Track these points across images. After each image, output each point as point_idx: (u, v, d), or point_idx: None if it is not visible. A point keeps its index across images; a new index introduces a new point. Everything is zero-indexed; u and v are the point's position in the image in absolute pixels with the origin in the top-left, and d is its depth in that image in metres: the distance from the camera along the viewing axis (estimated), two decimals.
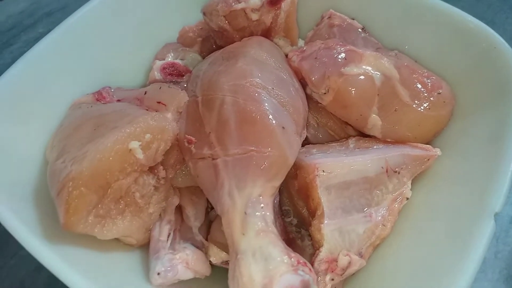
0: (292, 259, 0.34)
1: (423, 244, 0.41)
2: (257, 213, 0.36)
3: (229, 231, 0.36)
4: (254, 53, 0.45)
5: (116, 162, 0.37)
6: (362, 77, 0.45)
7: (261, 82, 0.42)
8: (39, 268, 0.36)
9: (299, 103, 0.44)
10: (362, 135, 0.48)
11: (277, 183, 0.39)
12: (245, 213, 0.36)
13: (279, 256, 0.34)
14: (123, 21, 0.55)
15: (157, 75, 0.51)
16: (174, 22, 0.58)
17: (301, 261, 0.35)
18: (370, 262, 0.42)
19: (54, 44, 0.49)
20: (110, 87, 0.49)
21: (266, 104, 0.40)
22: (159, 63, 0.52)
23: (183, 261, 0.38)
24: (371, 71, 0.45)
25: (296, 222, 0.48)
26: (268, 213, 0.37)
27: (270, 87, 0.42)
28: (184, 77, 0.51)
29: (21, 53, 0.48)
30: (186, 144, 0.42)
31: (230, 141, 0.39)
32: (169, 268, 0.37)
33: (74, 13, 0.52)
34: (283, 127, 0.40)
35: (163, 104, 0.43)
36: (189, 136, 0.41)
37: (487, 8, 0.81)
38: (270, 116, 0.40)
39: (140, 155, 0.38)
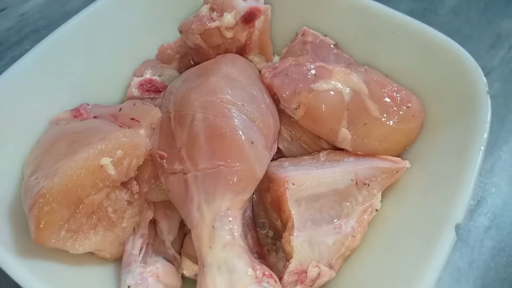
0: (257, 271, 0.35)
1: (391, 254, 0.42)
2: (224, 227, 0.37)
3: (198, 244, 0.37)
4: (226, 70, 0.47)
5: (87, 178, 0.38)
6: (331, 92, 0.46)
7: (231, 98, 0.43)
8: (18, 285, 0.37)
9: (269, 118, 0.45)
10: (335, 148, 0.50)
11: (246, 196, 0.40)
12: (213, 226, 0.37)
13: (244, 268, 0.35)
14: (104, 38, 0.56)
15: (134, 91, 0.52)
16: (154, 39, 0.59)
17: (266, 273, 0.36)
18: (340, 273, 0.43)
19: (34, 62, 0.50)
20: (88, 104, 0.50)
21: (236, 120, 0.42)
22: (137, 80, 0.53)
23: (153, 274, 0.39)
24: (340, 86, 0.47)
25: (272, 234, 0.49)
26: (235, 226, 0.38)
27: (240, 103, 0.43)
28: (161, 93, 0.53)
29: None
30: (159, 159, 0.43)
31: (200, 156, 0.40)
32: (139, 281, 0.38)
33: (54, 31, 0.53)
34: (252, 142, 0.41)
35: (137, 120, 0.45)
36: (161, 152, 0.43)
37: (465, 22, 0.83)
38: (239, 132, 0.41)
39: (111, 171, 0.39)
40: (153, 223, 0.45)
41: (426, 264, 0.37)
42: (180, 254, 0.44)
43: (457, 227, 0.38)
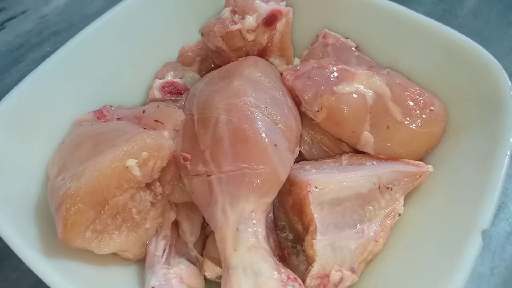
0: (282, 274, 0.35)
1: (414, 260, 0.41)
2: (249, 229, 0.37)
3: (222, 247, 0.37)
4: (249, 72, 0.47)
5: (113, 179, 0.38)
6: (354, 95, 0.46)
7: (254, 101, 0.43)
8: (40, 281, 0.37)
9: (292, 121, 0.45)
10: (356, 151, 0.49)
11: (269, 199, 0.40)
12: (237, 229, 0.37)
13: (269, 271, 0.35)
14: (126, 41, 0.57)
15: (156, 93, 0.53)
16: (175, 42, 0.60)
17: (291, 276, 0.35)
18: (362, 278, 0.43)
19: (58, 64, 0.51)
20: (111, 106, 0.51)
21: (259, 123, 0.42)
22: (158, 82, 0.54)
23: (177, 276, 0.39)
24: (363, 89, 0.47)
25: (292, 237, 0.49)
26: (260, 229, 0.38)
27: (263, 106, 0.43)
28: (183, 95, 0.53)
29: (28, 71, 0.50)
30: (182, 161, 0.43)
31: (224, 158, 0.40)
32: (163, 283, 0.38)
33: (78, 33, 0.53)
34: (275, 145, 0.41)
35: (161, 122, 0.45)
36: (184, 153, 0.43)
37: (485, 24, 0.82)
38: (263, 134, 0.41)
39: (137, 172, 0.39)
40: (175, 224, 0.45)
41: (452, 271, 0.36)
42: (202, 255, 0.45)
43: (483, 234, 0.38)
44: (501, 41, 0.80)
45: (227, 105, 0.43)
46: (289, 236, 0.49)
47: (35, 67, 0.50)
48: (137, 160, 0.39)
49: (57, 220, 0.38)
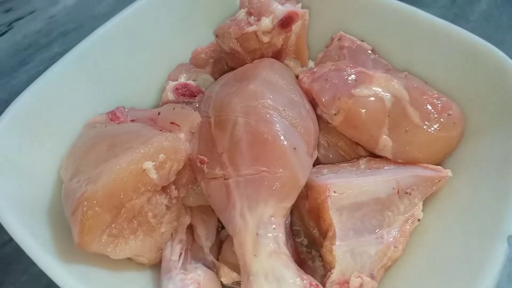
0: (304, 281, 0.34)
1: (435, 266, 0.40)
2: (269, 234, 0.37)
3: (241, 252, 0.36)
4: (266, 75, 0.46)
5: (130, 182, 0.38)
6: (372, 98, 0.45)
7: (272, 103, 0.43)
8: (49, 285, 0.37)
9: (310, 124, 0.44)
10: (373, 155, 0.49)
11: (289, 203, 0.39)
12: (257, 234, 0.37)
13: (292, 278, 0.34)
14: (137, 42, 0.56)
15: (170, 95, 0.52)
16: (187, 43, 0.59)
17: (313, 283, 0.35)
18: (382, 284, 0.42)
19: (70, 65, 0.50)
20: (124, 107, 0.50)
21: (278, 125, 0.41)
22: (172, 84, 0.53)
23: (195, 282, 0.38)
24: (381, 92, 0.46)
25: (307, 243, 0.48)
26: (280, 234, 0.37)
27: (281, 108, 0.43)
28: (196, 97, 0.52)
29: (36, 72, 0.49)
30: (199, 164, 0.42)
31: (242, 161, 0.40)
32: None
33: (89, 35, 0.53)
34: (294, 148, 0.40)
35: (177, 124, 0.44)
36: (201, 156, 0.42)
37: (497, 28, 0.81)
38: (282, 137, 0.40)
39: (154, 175, 0.39)
40: (190, 228, 0.45)
41: (476, 278, 0.35)
42: (217, 260, 0.44)
43: (509, 240, 0.37)
44: None
45: (245, 107, 0.42)
46: (304, 241, 0.48)
47: (43, 68, 0.49)
48: (154, 163, 0.39)
49: (73, 224, 0.37)
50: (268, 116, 0.41)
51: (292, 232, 0.48)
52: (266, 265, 0.35)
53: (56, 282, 0.37)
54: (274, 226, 0.37)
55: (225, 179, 0.40)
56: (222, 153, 0.41)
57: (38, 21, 0.83)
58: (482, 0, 0.85)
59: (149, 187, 0.39)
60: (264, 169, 0.39)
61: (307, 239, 0.48)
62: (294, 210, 0.48)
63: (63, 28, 0.81)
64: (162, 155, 0.39)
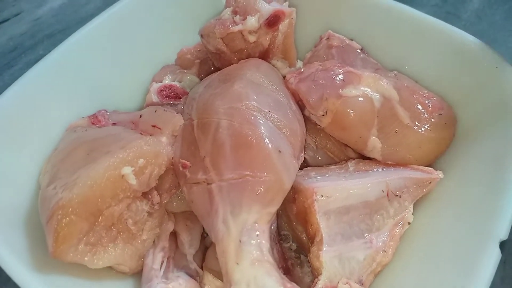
0: None
1: (426, 271, 0.39)
2: (252, 241, 0.35)
3: (223, 260, 0.35)
4: (251, 75, 0.45)
5: (108, 189, 0.36)
6: (360, 98, 0.44)
7: (257, 105, 0.41)
8: None
9: (296, 125, 0.43)
10: (362, 157, 0.47)
11: (274, 209, 0.38)
12: (240, 241, 0.35)
13: (274, 287, 0.32)
14: (121, 43, 0.55)
15: (154, 97, 0.51)
16: (172, 44, 0.58)
17: None
18: None
19: (50, 67, 0.49)
20: (106, 110, 0.49)
21: (262, 128, 0.40)
22: (156, 86, 0.52)
23: None
24: (370, 92, 0.45)
25: (296, 247, 0.47)
26: (264, 241, 0.36)
27: (266, 110, 0.41)
28: (181, 99, 0.51)
29: (21, 75, 0.47)
30: (181, 168, 0.41)
31: (225, 165, 0.38)
32: None
33: (72, 35, 0.52)
34: (279, 151, 0.39)
35: (158, 127, 0.43)
36: (183, 160, 0.41)
37: (489, 26, 0.80)
38: (266, 140, 0.39)
39: (133, 180, 0.37)
40: (173, 235, 0.43)
41: (468, 283, 0.34)
42: (201, 268, 0.42)
43: (501, 244, 0.36)
44: (506, 43, 0.78)
45: (229, 109, 0.41)
46: (292, 246, 0.47)
47: None
48: (133, 168, 0.37)
49: (47, 233, 0.35)
50: (252, 118, 0.40)
51: (279, 237, 0.46)
52: (248, 273, 0.33)
53: None
54: (258, 232, 0.36)
55: (208, 184, 0.39)
56: (205, 157, 0.40)
57: (23, 23, 0.82)
58: None
59: (129, 193, 0.38)
60: (248, 173, 0.38)
61: (296, 244, 0.47)
62: (282, 214, 0.47)
63: (49, 30, 0.80)
64: (141, 159, 0.38)
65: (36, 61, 0.49)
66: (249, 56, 0.51)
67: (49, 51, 0.50)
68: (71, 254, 0.35)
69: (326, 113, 0.45)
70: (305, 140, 0.47)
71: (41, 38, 0.79)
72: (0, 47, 0.78)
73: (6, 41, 0.79)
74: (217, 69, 0.53)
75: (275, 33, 0.50)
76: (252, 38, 0.49)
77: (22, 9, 0.84)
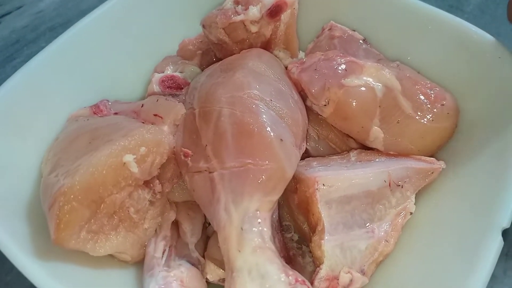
0: (289, 277, 0.33)
1: (428, 260, 0.39)
2: (254, 229, 0.35)
3: (225, 248, 0.35)
4: (252, 64, 0.45)
5: (109, 176, 0.36)
6: (363, 88, 0.44)
7: (259, 93, 0.41)
8: (34, 285, 0.35)
9: (298, 115, 0.43)
10: (364, 147, 0.47)
11: (275, 197, 0.38)
12: (242, 228, 0.35)
13: (276, 274, 0.32)
14: (123, 33, 0.55)
15: (155, 88, 0.51)
16: (174, 35, 0.57)
17: (299, 279, 0.33)
18: (373, 280, 0.41)
19: (53, 57, 0.49)
20: (107, 100, 0.49)
21: (264, 116, 0.40)
22: (158, 76, 0.51)
23: (178, 279, 0.37)
24: (372, 82, 0.44)
25: (297, 238, 0.47)
26: (265, 229, 0.36)
27: (268, 99, 0.41)
28: (183, 90, 0.51)
29: None
30: (183, 157, 0.41)
31: (227, 154, 0.38)
32: (163, 286, 0.36)
33: (73, 25, 0.51)
34: (281, 139, 0.39)
35: (160, 116, 0.43)
36: (185, 149, 0.41)
37: (492, 20, 0.80)
38: (268, 128, 0.39)
39: (134, 168, 0.37)
40: (175, 224, 0.43)
41: (470, 272, 0.34)
42: (203, 257, 0.42)
43: (505, 232, 0.35)
44: (509, 37, 0.77)
45: (230, 98, 0.41)
46: (294, 236, 0.47)
47: None
48: (135, 156, 0.37)
49: (49, 220, 0.35)
50: (254, 106, 0.40)
51: (281, 228, 0.46)
52: (250, 260, 0.33)
53: (34, 283, 0.35)
54: (259, 220, 0.36)
55: (209, 172, 0.39)
56: (207, 145, 0.40)
57: (25, 16, 0.82)
58: None
59: (130, 181, 0.38)
60: (250, 161, 0.38)
61: (298, 235, 0.47)
62: (284, 205, 0.47)
63: (50, 23, 0.80)
64: (143, 148, 0.38)
65: (37, 53, 0.49)
66: (251, 47, 0.51)
67: None
68: (73, 241, 0.35)
69: (328, 103, 0.44)
70: (307, 130, 0.47)
71: (43, 31, 0.79)
72: (3, 39, 0.78)
73: (8, 34, 0.79)
74: (219, 59, 0.53)
75: (277, 23, 0.50)
76: (254, 28, 0.49)
77: (24, 2, 0.84)
